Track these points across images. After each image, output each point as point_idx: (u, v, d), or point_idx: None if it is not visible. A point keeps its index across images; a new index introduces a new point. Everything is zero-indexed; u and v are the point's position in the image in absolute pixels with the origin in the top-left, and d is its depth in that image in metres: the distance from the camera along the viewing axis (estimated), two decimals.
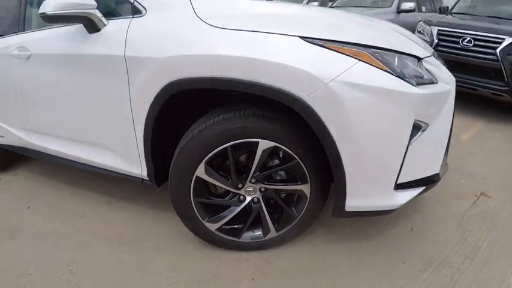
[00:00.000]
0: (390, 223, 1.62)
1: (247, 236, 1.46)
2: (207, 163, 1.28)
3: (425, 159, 1.27)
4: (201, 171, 1.29)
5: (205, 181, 1.33)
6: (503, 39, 3.08)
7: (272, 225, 1.42)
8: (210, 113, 1.29)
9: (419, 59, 1.25)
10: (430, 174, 1.30)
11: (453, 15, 4.21)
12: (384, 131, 1.14)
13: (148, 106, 1.31)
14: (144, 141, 1.41)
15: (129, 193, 2.06)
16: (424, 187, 1.31)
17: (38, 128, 1.94)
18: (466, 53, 3.24)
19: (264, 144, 1.24)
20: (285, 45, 1.10)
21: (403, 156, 1.18)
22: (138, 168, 1.52)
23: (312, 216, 1.43)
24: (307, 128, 1.18)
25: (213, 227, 1.42)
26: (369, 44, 1.13)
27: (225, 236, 1.45)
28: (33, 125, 1.94)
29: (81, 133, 1.68)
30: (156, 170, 1.49)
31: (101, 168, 1.71)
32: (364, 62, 1.09)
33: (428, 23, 3.76)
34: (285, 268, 1.41)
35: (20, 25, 1.85)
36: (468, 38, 3.23)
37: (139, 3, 1.34)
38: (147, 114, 1.33)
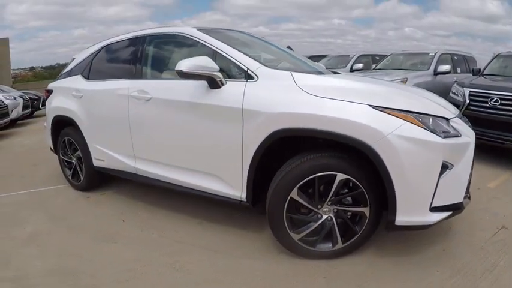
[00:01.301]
0: (427, 245, 2.08)
1: (320, 246, 1.94)
2: (299, 188, 1.84)
3: (452, 190, 1.80)
4: (294, 193, 1.85)
5: (296, 201, 1.87)
6: None
7: (340, 239, 1.91)
8: (304, 153, 1.87)
9: (447, 119, 1.85)
10: (455, 202, 1.81)
11: (485, 76, 4.68)
12: (422, 167, 1.69)
13: (257, 146, 1.90)
14: (248, 172, 1.98)
15: (217, 216, 2.57)
16: (451, 211, 1.81)
17: (145, 156, 2.54)
18: (494, 111, 3.57)
19: (340, 177, 1.80)
20: (360, 110, 1.72)
21: (435, 186, 1.72)
22: (239, 192, 2.07)
23: (369, 233, 1.92)
24: (368, 166, 1.75)
25: (296, 237, 1.92)
26: (413, 110, 1.75)
27: (304, 245, 1.94)
28: (140, 153, 2.55)
29: (192, 163, 2.26)
30: (253, 193, 2.03)
31: (203, 192, 2.24)
32: (410, 122, 1.70)
33: (461, 85, 4.18)
34: (348, 273, 1.86)
35: (138, 73, 2.58)
36: (495, 98, 3.58)
37: (252, 72, 1.99)
38: (255, 152, 1.92)
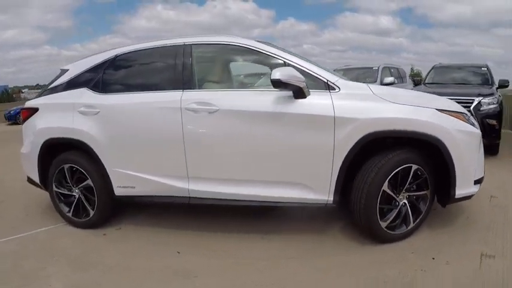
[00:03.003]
0: (451, 218, 2.67)
1: (399, 229, 2.29)
2: (389, 181, 2.16)
3: (480, 167, 2.41)
4: (385, 186, 2.16)
5: (385, 192, 2.18)
6: (473, 100, 4.40)
7: (412, 219, 2.31)
8: (387, 152, 2.19)
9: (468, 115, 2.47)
10: (481, 176, 2.43)
11: (426, 85, 5.65)
12: (470, 151, 2.26)
13: (348, 150, 2.14)
14: (338, 175, 2.19)
15: (266, 227, 2.61)
16: (479, 184, 2.41)
17: (205, 175, 2.36)
18: None
19: (414, 167, 2.21)
20: (430, 113, 2.18)
21: (476, 163, 2.31)
22: (326, 195, 2.23)
23: (429, 209, 2.37)
24: (429, 157, 2.21)
25: (383, 225, 2.23)
26: (460, 111, 2.33)
27: (388, 231, 2.25)
28: (198, 172, 2.35)
29: (270, 174, 2.28)
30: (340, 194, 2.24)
31: (281, 202, 2.31)
32: (460, 120, 2.26)
33: None
34: (423, 246, 2.25)
35: (188, 83, 2.37)
36: None
37: (332, 83, 2.23)
38: (346, 155, 2.15)
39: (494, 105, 4.51)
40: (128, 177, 2.52)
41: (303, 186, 2.26)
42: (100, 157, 2.54)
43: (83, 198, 2.73)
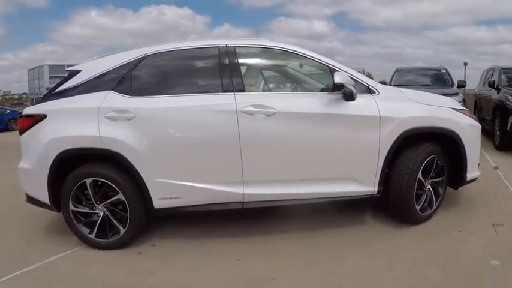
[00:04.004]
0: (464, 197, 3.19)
1: (426, 211, 2.66)
2: (421, 170, 2.50)
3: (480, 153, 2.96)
4: (419, 175, 2.49)
5: (420, 180, 2.51)
6: None
7: (435, 202, 2.70)
8: (419, 145, 2.52)
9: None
10: (479, 161, 2.97)
11: (394, 87, 6.32)
12: (476, 141, 2.74)
13: (390, 145, 2.42)
14: (382, 168, 2.45)
15: (297, 225, 2.75)
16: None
17: (261, 177, 2.38)
18: None
19: (436, 158, 2.60)
20: (450, 111, 2.61)
21: (479, 150, 2.82)
22: (372, 187, 2.48)
23: (445, 192, 2.78)
24: (444, 148, 2.64)
25: (417, 208, 2.56)
26: (466, 109, 2.81)
27: (420, 213, 2.60)
28: (255, 175, 2.36)
29: (324, 172, 2.43)
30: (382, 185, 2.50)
31: (332, 197, 2.48)
32: (467, 116, 2.74)
33: None
34: (443, 222, 2.67)
35: (239, 86, 2.36)
36: None
37: (372, 87, 2.49)
38: (388, 150, 2.43)
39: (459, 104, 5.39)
40: (171, 187, 2.35)
41: (354, 181, 2.47)
42: (137, 167, 2.32)
43: (109, 215, 2.45)
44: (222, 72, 2.40)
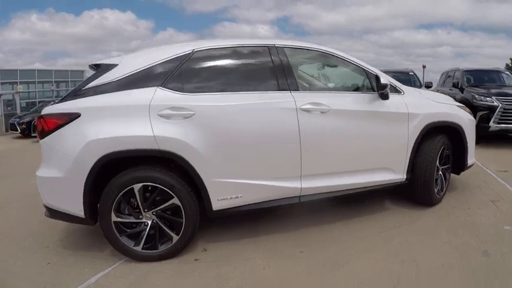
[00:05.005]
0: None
1: (439, 194, 3.06)
2: (438, 158, 2.91)
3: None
4: (436, 161, 2.89)
5: (437, 167, 2.91)
6: None
7: (445, 186, 3.13)
8: (435, 137, 2.90)
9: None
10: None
11: None
12: (473, 132, 3.24)
13: (416, 137, 2.76)
14: (409, 157, 2.77)
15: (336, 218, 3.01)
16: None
17: (316, 171, 2.49)
18: None
19: (445, 147, 3.04)
20: (456, 109, 3.09)
21: (474, 141, 3.35)
22: (401, 175, 2.78)
23: (449, 177, 3.26)
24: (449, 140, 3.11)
25: (436, 191, 2.96)
26: (464, 106, 3.33)
27: (437, 196, 3.00)
28: (311, 169, 2.46)
29: (367, 163, 2.66)
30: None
31: (373, 186, 2.71)
32: (465, 111, 3.25)
33: None
34: (450, 202, 3.13)
35: (293, 85, 2.44)
36: None
37: (399, 88, 2.81)
38: (415, 141, 2.76)
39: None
40: (231, 187, 2.28)
41: (389, 170, 2.74)
42: (196, 168, 2.19)
43: (160, 223, 2.25)
44: (276, 71, 2.44)
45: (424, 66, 14.92)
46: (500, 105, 5.47)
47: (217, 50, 2.47)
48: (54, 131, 2.16)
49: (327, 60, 2.80)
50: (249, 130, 2.31)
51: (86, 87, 2.26)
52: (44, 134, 2.21)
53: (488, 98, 5.60)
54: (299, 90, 2.47)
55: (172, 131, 2.16)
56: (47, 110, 2.26)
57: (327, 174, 2.54)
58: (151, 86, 2.23)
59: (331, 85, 3.06)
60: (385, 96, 2.61)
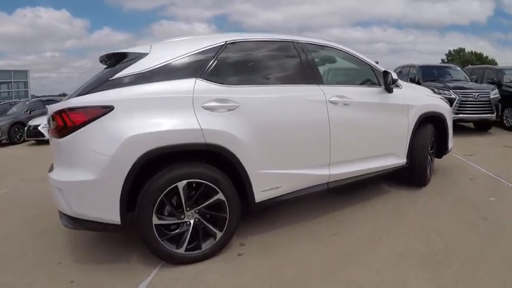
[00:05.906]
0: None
1: (430, 175, 3.48)
2: (430, 144, 3.30)
3: None
4: (429, 147, 3.28)
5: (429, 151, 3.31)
6: None
7: (431, 168, 3.57)
8: (426, 125, 3.27)
9: None
10: None
11: None
12: (451, 119, 3.71)
13: (413, 125, 3.12)
14: (409, 143, 3.11)
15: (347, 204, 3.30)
16: None
17: (342, 159, 2.66)
18: None
19: (433, 134, 3.46)
20: (441, 100, 3.57)
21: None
22: (402, 160, 3.12)
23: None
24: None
25: (428, 171, 3.36)
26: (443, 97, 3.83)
27: (429, 177, 3.42)
28: (338, 157, 2.62)
29: (379, 149, 2.93)
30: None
31: (383, 170, 2.98)
32: (446, 102, 3.75)
33: None
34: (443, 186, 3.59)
35: (318, 79, 2.57)
36: None
37: (399, 83, 3.11)
38: (412, 129, 3.12)
39: None
40: (273, 178, 2.30)
41: (395, 155, 3.06)
42: (241, 160, 2.14)
43: (203, 220, 2.14)
44: (304, 65, 2.55)
45: (376, 62, 16.35)
46: (457, 97, 6.33)
47: (247, 43, 2.48)
48: (81, 127, 1.90)
49: (341, 56, 3.02)
50: (288, 121, 2.35)
51: (114, 77, 2.02)
52: (66, 131, 1.92)
53: (446, 92, 6.38)
54: (323, 84, 2.61)
55: (219, 123, 2.08)
56: (68, 103, 1.96)
57: (349, 161, 2.73)
58: (189, 78, 2.11)
59: (346, 79, 3.26)
60: (390, 90, 2.91)
